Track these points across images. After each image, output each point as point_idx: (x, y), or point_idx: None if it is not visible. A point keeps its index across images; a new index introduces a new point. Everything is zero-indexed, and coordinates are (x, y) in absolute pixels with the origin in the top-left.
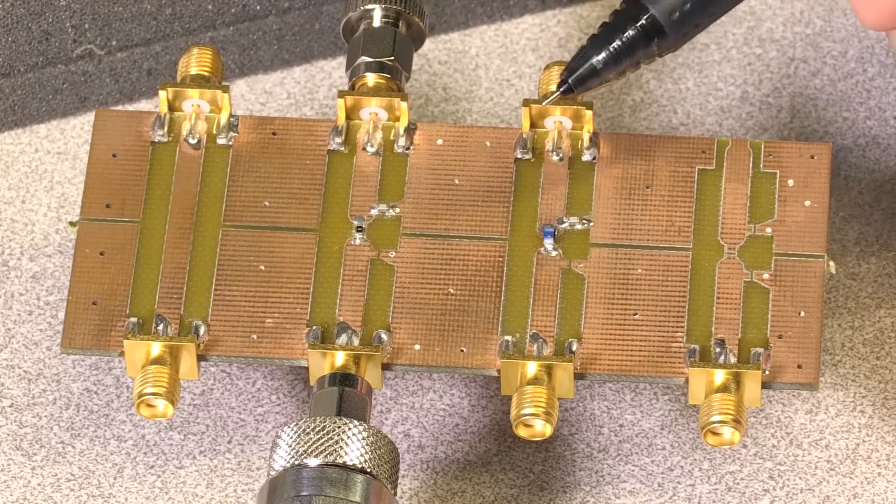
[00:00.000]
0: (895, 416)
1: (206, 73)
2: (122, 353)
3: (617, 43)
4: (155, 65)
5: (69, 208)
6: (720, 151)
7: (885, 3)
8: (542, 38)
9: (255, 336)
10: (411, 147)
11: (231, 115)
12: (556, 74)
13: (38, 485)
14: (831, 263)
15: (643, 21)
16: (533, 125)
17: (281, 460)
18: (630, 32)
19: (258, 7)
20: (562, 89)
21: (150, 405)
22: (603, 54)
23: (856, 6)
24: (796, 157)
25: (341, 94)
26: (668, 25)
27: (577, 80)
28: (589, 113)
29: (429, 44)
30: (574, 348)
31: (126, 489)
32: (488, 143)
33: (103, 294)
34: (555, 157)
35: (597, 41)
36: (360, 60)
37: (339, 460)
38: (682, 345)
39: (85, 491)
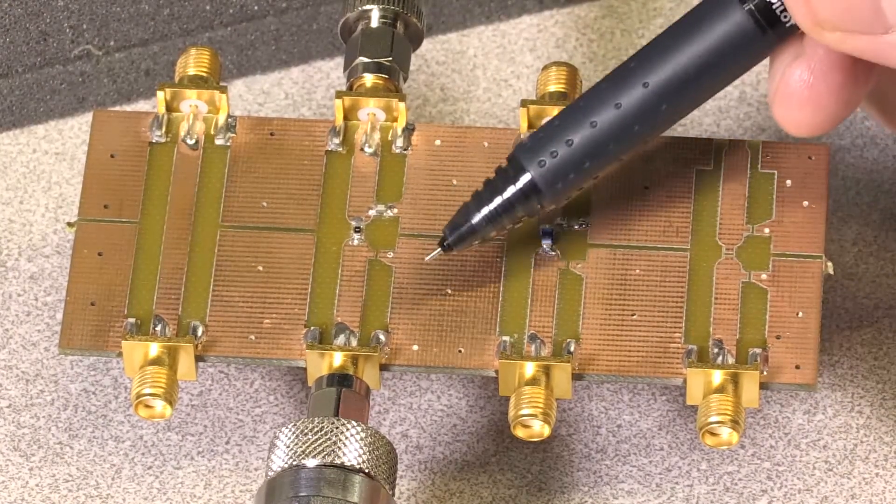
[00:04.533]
0: (893, 416)
1: (204, 74)
2: (120, 354)
3: (496, 203)
4: (153, 65)
5: (67, 209)
6: (718, 152)
7: (807, 116)
8: (539, 39)
9: (253, 337)
10: (409, 147)
11: (229, 116)
12: (553, 75)
13: (37, 485)
14: (829, 264)
15: (522, 184)
16: (531, 125)
17: (279, 461)
18: (509, 194)
19: (256, 7)
20: (441, 249)
21: (148, 406)
22: (481, 214)
23: (778, 119)
24: (794, 158)
25: (339, 95)
26: (549, 192)
27: (456, 239)
28: None
29: (426, 44)
30: (572, 349)
31: (124, 490)
32: (486, 144)
33: (101, 295)
34: None
35: (477, 200)
36: (357, 61)
37: (337, 461)
38: (680, 345)
39: (83, 492)
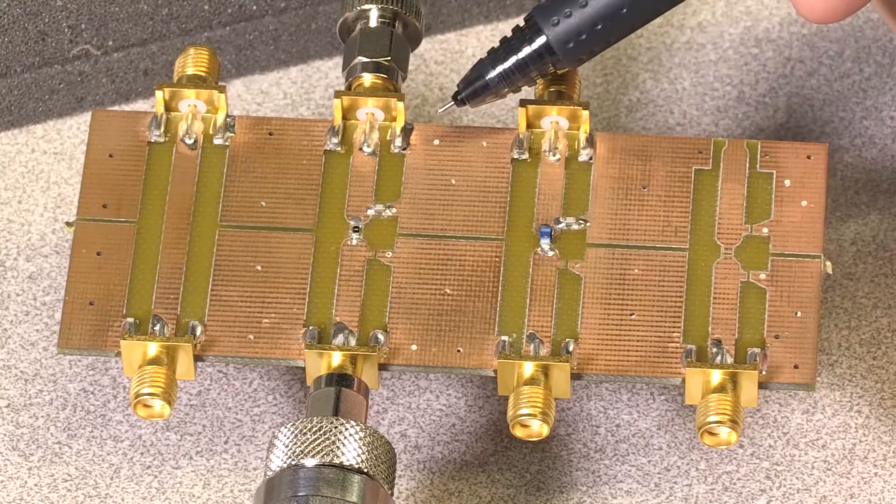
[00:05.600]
0: (892, 415)
1: (203, 74)
2: (118, 354)
3: (510, 61)
4: (151, 65)
5: (66, 208)
6: (717, 151)
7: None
8: None
9: (251, 336)
10: (408, 147)
11: (227, 116)
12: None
13: (35, 485)
14: (828, 263)
15: (537, 45)
16: (529, 125)
17: (278, 460)
18: (524, 53)
19: (255, 7)
20: (455, 101)
21: (146, 405)
22: (496, 71)
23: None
24: (793, 158)
25: (338, 95)
26: (561, 51)
27: (470, 94)
28: (585, 113)
29: (425, 44)
30: (571, 348)
31: (123, 489)
32: (485, 144)
33: (100, 294)
34: (551, 158)
35: (493, 57)
36: (356, 60)
37: (336, 460)
38: (678, 345)
39: (82, 491)
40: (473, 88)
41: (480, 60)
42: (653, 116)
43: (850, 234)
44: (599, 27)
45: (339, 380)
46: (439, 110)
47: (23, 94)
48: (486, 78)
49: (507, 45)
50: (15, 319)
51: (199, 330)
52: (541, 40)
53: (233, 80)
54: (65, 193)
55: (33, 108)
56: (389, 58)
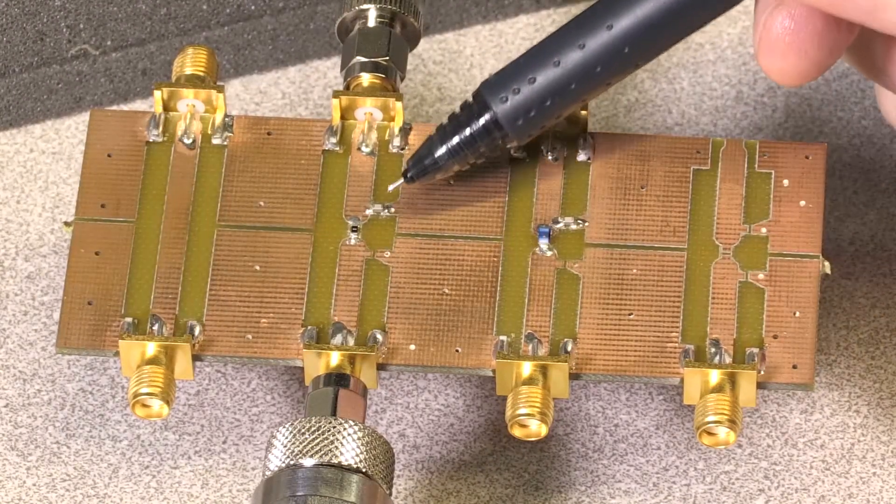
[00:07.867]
0: (890, 415)
1: (201, 73)
2: (117, 353)
3: (459, 138)
4: (150, 65)
5: (64, 208)
6: (715, 151)
7: (791, 63)
8: (536, 38)
9: (250, 336)
10: (406, 147)
11: (226, 115)
12: None
13: (34, 485)
14: (826, 263)
15: (485, 120)
16: None
17: (276, 460)
18: (472, 129)
19: (253, 7)
20: (404, 179)
21: (145, 405)
22: (445, 148)
23: (764, 67)
24: (791, 157)
25: (336, 94)
26: (511, 129)
27: (418, 172)
28: (584, 113)
29: (423, 44)
30: (569, 348)
31: (121, 489)
32: None
33: (98, 294)
34: (550, 157)
35: (441, 134)
36: (354, 60)
37: (335, 460)
38: (677, 345)
39: (80, 491)
40: (422, 166)
41: (429, 137)
42: (651, 116)
43: (848, 234)
44: (549, 103)
45: (338, 379)
46: (389, 188)
47: (21, 93)
48: (435, 155)
49: (456, 122)
50: (13, 319)
51: (197, 330)
52: (488, 117)
53: (231, 80)
54: (63, 193)
55: (32, 107)
56: (388, 58)
